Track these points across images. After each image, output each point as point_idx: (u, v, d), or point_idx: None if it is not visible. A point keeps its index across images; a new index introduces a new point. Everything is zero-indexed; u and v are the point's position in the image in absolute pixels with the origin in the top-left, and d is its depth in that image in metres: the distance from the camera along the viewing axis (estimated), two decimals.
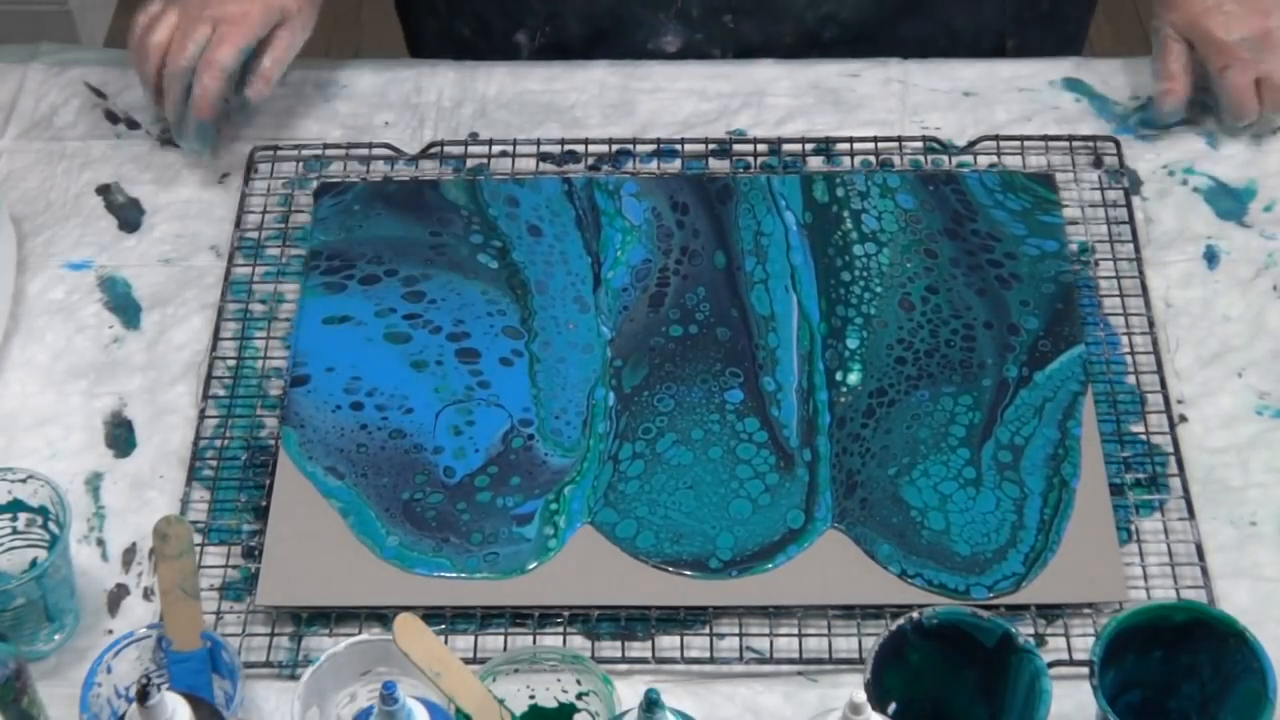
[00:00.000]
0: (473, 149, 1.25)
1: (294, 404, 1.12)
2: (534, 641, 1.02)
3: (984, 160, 1.23)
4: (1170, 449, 1.08)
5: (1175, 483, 1.07)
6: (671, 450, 1.08)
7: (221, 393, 1.13)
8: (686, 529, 1.05)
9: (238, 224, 1.22)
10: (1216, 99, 1.22)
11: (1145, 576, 1.03)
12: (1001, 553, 1.03)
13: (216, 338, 1.16)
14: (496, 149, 1.25)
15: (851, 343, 1.13)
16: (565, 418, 1.10)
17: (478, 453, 1.09)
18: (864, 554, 1.04)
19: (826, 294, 1.15)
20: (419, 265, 1.18)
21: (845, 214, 1.19)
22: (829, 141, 1.24)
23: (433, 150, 1.25)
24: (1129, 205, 1.19)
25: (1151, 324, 1.13)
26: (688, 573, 1.03)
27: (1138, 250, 1.17)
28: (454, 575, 1.04)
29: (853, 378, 1.11)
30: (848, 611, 1.02)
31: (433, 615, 1.03)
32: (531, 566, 1.04)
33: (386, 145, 1.26)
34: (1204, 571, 1.03)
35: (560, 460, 1.08)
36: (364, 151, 1.26)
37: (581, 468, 1.08)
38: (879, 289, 1.15)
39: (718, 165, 1.24)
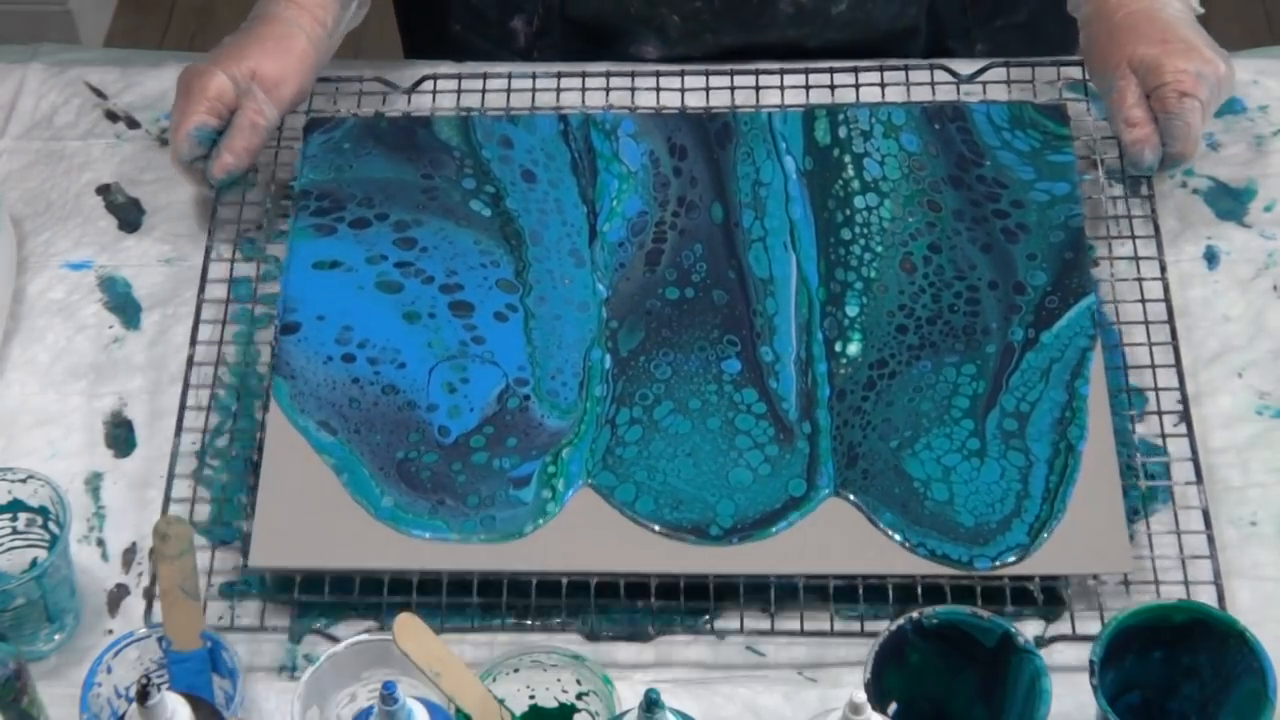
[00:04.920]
0: (466, 84, 1.24)
1: (284, 353, 1.10)
2: (533, 635, 1.02)
3: (993, 91, 1.22)
4: (1177, 447, 1.07)
5: (1182, 479, 1.06)
6: (669, 419, 1.07)
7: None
8: (686, 495, 1.04)
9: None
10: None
11: (1155, 575, 1.03)
12: (1006, 523, 1.02)
13: (206, 264, 1.16)
14: (491, 84, 1.24)
15: (851, 310, 1.11)
16: (561, 378, 1.09)
17: (472, 412, 1.08)
18: (867, 521, 1.03)
19: (826, 254, 1.13)
20: (410, 210, 1.17)
21: (847, 158, 1.17)
22: (833, 72, 1.23)
23: (425, 84, 1.24)
24: (1153, 196, 1.18)
25: (1171, 316, 1.12)
26: (700, 540, 1.03)
27: (1159, 245, 1.16)
28: (451, 538, 1.03)
29: (852, 348, 1.10)
30: (849, 582, 1.02)
31: (429, 581, 1.02)
32: (529, 530, 1.03)
33: (378, 79, 1.25)
34: (1216, 571, 1.02)
35: (557, 422, 1.07)
36: (355, 88, 1.24)
37: (579, 430, 1.07)
38: (880, 248, 1.13)
39: (719, 99, 1.22)
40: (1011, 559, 1.01)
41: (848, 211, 1.15)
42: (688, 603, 1.03)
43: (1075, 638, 1.00)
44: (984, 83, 1.23)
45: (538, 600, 1.03)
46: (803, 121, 1.20)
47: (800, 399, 1.08)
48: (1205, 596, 1.01)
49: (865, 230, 1.14)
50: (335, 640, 1.00)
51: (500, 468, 1.06)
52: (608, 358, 1.10)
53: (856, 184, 1.16)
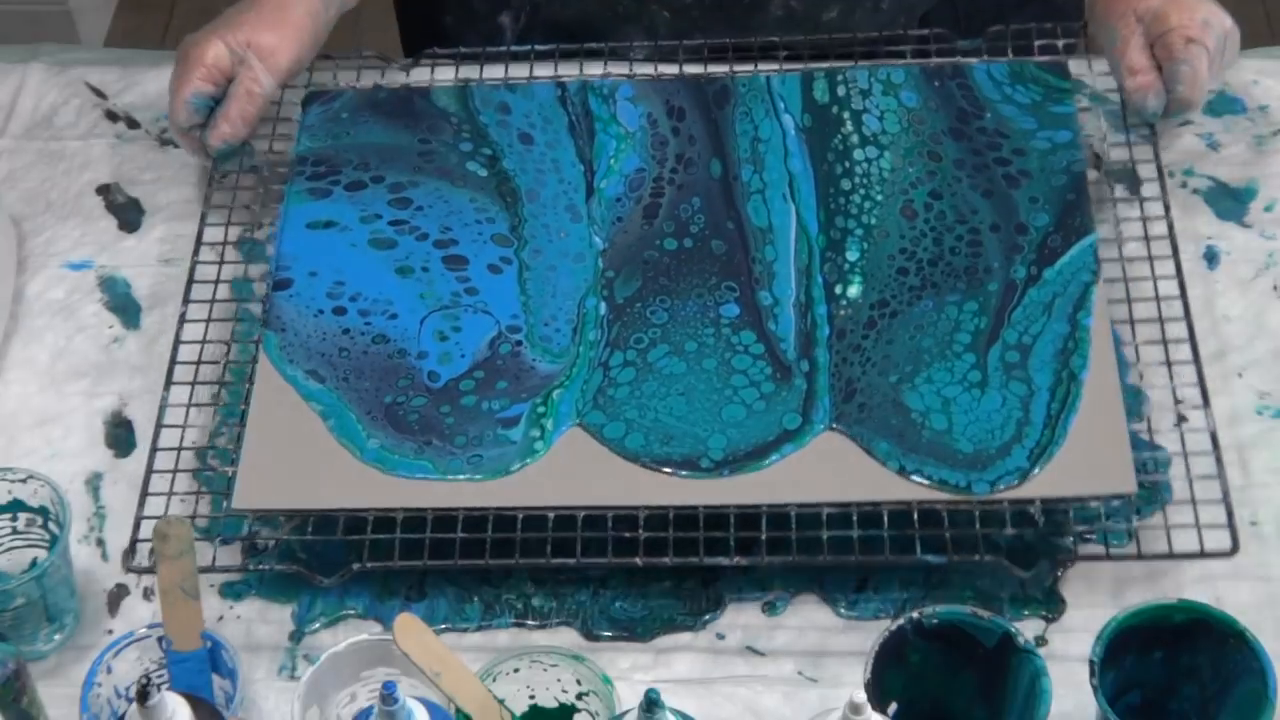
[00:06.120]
0: (466, 58, 1.24)
1: (275, 307, 1.10)
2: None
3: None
4: (1174, 446, 1.07)
5: (1178, 482, 1.06)
6: (664, 360, 1.07)
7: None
8: (677, 431, 1.03)
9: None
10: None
11: (1137, 538, 1.02)
12: (1006, 449, 1.01)
13: (200, 241, 1.17)
14: (490, 55, 1.24)
15: (851, 255, 1.10)
16: (555, 325, 1.09)
17: (463, 358, 1.07)
18: (862, 451, 1.02)
19: (825, 204, 1.13)
20: (406, 172, 1.17)
21: (846, 115, 1.17)
22: (831, 39, 1.22)
23: (424, 61, 1.25)
24: (1165, 196, 1.16)
25: (1192, 323, 1.11)
26: (684, 473, 1.02)
27: (1175, 247, 1.15)
28: (436, 477, 1.03)
29: (853, 290, 1.09)
30: (842, 510, 1.00)
31: (415, 519, 1.02)
32: (516, 468, 1.03)
33: (378, 55, 1.26)
34: (1199, 533, 1.02)
35: (549, 366, 1.07)
36: (354, 63, 1.25)
37: (571, 373, 1.06)
38: (880, 197, 1.13)
39: (717, 68, 1.22)
40: (1012, 482, 1.00)
41: (847, 164, 1.15)
42: (679, 547, 1.01)
43: (1063, 625, 1.00)
44: (983, 51, 1.22)
45: (523, 535, 1.01)
46: (801, 82, 1.20)
47: (799, 339, 1.07)
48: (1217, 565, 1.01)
49: (865, 180, 1.14)
50: (312, 577, 1.00)
51: (489, 409, 1.05)
52: (603, 305, 1.10)
53: (856, 138, 1.16)
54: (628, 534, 1.01)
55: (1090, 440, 1.01)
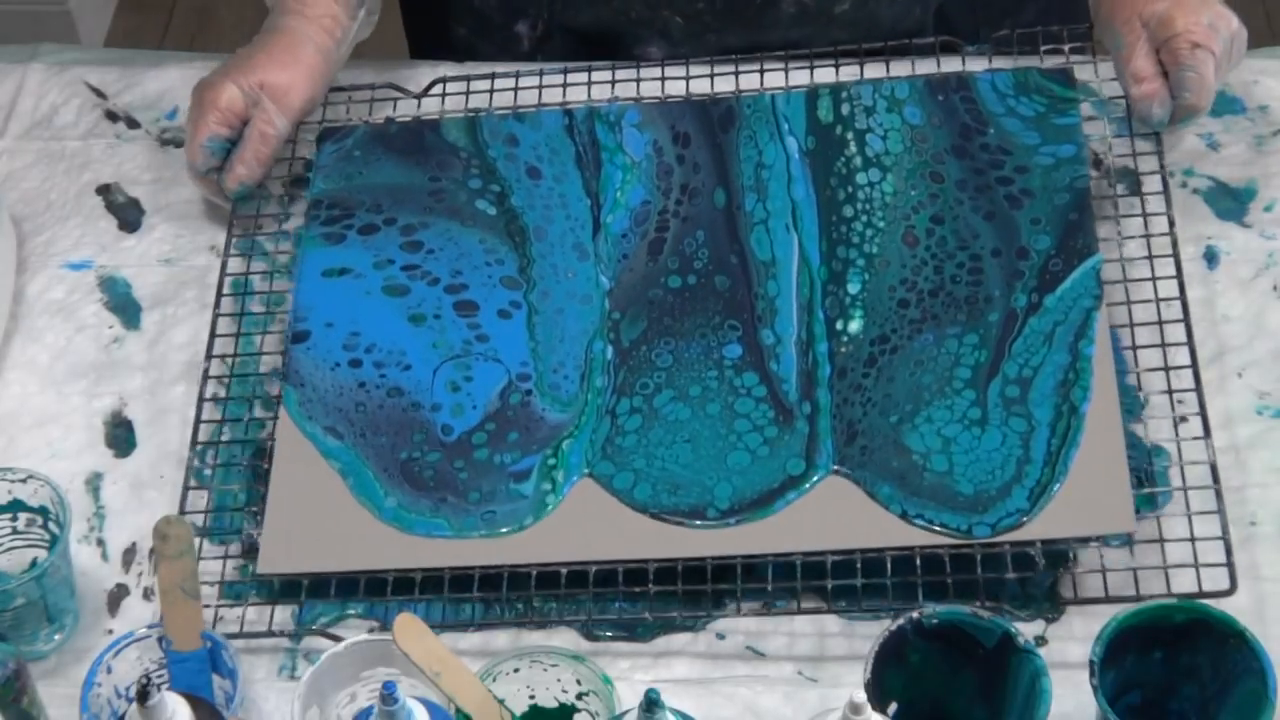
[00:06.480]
0: (475, 84, 1.25)
1: (294, 362, 1.11)
2: (534, 640, 1.02)
3: (1000, 62, 1.21)
4: (1172, 449, 1.07)
5: (1175, 482, 1.06)
6: (669, 406, 1.07)
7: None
8: (684, 480, 1.04)
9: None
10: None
11: (1136, 579, 1.02)
12: (1006, 489, 1.01)
13: (222, 274, 1.17)
14: (500, 83, 1.25)
15: (853, 288, 1.10)
16: (563, 372, 1.09)
17: (475, 409, 1.08)
18: (866, 496, 1.02)
19: (828, 233, 1.13)
20: (417, 213, 1.17)
21: (849, 135, 1.17)
22: (838, 54, 1.22)
23: (435, 89, 1.25)
24: (1167, 194, 1.16)
25: (1195, 325, 1.11)
26: (697, 523, 1.02)
27: (1175, 248, 1.15)
28: (451, 535, 1.03)
29: (854, 326, 1.09)
30: (847, 558, 1.01)
31: (431, 578, 1.03)
32: (529, 523, 1.03)
33: (390, 85, 1.26)
34: (1197, 573, 1.02)
35: (558, 415, 1.07)
36: (367, 95, 1.26)
37: (579, 422, 1.07)
38: (882, 223, 1.13)
39: (723, 85, 1.22)
40: (1012, 525, 1.00)
41: (850, 189, 1.15)
42: (687, 597, 1.02)
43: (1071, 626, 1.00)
44: (990, 55, 1.22)
45: (537, 591, 1.02)
46: (806, 101, 1.20)
47: (800, 379, 1.07)
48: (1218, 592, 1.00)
49: (867, 206, 1.14)
50: (336, 639, 1.00)
51: (501, 463, 1.06)
52: (609, 349, 1.10)
53: (859, 160, 1.16)
54: (638, 589, 1.02)
55: (1090, 476, 1.01)
